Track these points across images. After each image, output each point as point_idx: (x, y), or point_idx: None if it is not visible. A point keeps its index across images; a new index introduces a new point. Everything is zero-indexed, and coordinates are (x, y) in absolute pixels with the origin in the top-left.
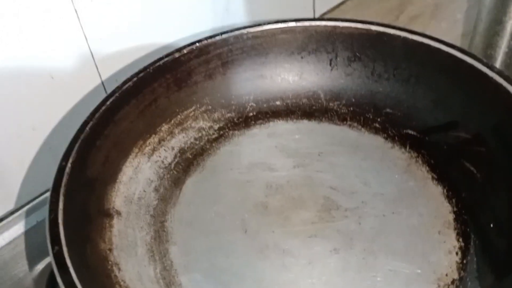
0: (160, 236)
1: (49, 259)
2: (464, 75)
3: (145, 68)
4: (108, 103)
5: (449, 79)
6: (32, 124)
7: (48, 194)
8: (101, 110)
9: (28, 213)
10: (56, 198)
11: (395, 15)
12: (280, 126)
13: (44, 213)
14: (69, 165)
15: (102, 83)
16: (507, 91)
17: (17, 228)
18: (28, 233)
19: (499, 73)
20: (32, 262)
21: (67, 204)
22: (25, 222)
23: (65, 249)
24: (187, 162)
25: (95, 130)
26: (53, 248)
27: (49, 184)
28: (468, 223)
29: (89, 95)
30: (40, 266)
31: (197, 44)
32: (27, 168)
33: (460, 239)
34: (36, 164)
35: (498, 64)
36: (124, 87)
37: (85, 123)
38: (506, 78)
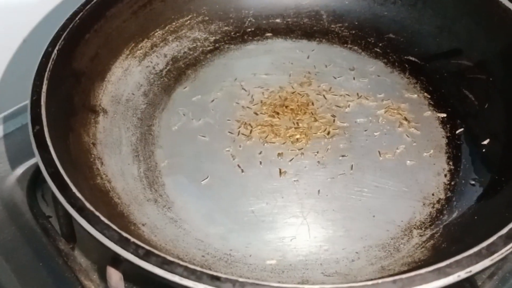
0: (146, 138)
1: (33, 160)
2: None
3: None
4: None
5: (456, 3)
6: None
7: None
8: (92, 3)
9: (10, 117)
10: (40, 81)
11: None
12: (278, 44)
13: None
14: (55, 51)
15: None
16: None
17: None
18: (10, 136)
19: None
20: (14, 163)
21: (51, 90)
22: (7, 125)
23: (46, 129)
24: (179, 71)
25: (85, 22)
26: (33, 128)
27: None
28: (460, 148)
29: None
30: (22, 168)
31: None
32: (17, 78)
33: (450, 163)
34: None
35: None
36: None
37: (75, 13)
38: None
